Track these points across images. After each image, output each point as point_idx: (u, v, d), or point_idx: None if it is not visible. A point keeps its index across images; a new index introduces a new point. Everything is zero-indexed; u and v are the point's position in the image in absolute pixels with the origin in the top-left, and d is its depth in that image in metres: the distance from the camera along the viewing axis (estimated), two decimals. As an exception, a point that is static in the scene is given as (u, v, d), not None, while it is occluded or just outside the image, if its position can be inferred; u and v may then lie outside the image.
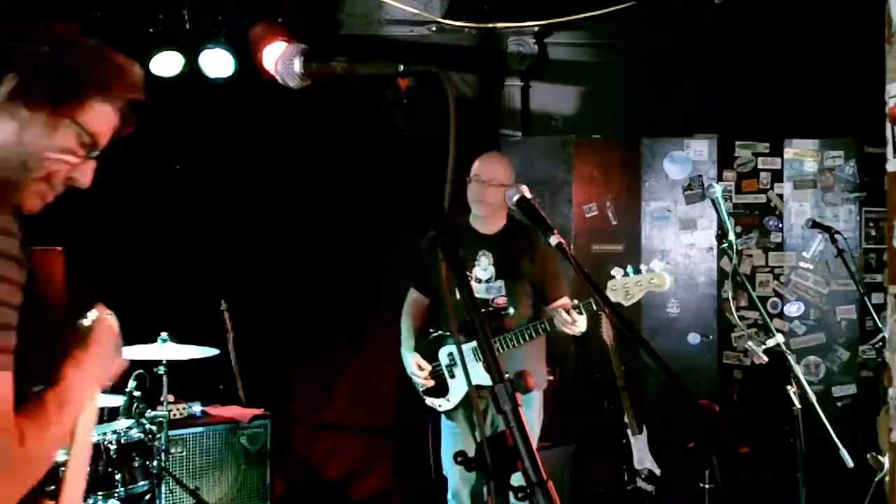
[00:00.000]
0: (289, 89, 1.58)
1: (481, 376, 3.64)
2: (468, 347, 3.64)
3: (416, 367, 3.97)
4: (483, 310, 3.83)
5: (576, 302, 3.66)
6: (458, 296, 1.47)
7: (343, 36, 6.18)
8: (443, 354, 3.95)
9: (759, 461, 5.34)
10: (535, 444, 3.39)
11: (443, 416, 4.08)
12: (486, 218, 3.92)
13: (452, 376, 3.93)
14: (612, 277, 3.54)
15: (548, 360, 5.42)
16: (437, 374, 3.96)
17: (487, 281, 3.88)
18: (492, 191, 3.84)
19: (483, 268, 3.90)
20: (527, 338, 3.73)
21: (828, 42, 5.64)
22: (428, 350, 3.99)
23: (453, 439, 4.02)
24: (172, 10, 5.42)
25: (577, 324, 3.65)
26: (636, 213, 5.75)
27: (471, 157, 3.96)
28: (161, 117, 5.77)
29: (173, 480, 4.29)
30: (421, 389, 4.02)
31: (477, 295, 3.87)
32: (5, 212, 1.32)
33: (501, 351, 3.74)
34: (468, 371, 1.63)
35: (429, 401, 4.01)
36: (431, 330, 4.03)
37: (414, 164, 1.52)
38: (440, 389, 3.95)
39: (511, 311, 3.82)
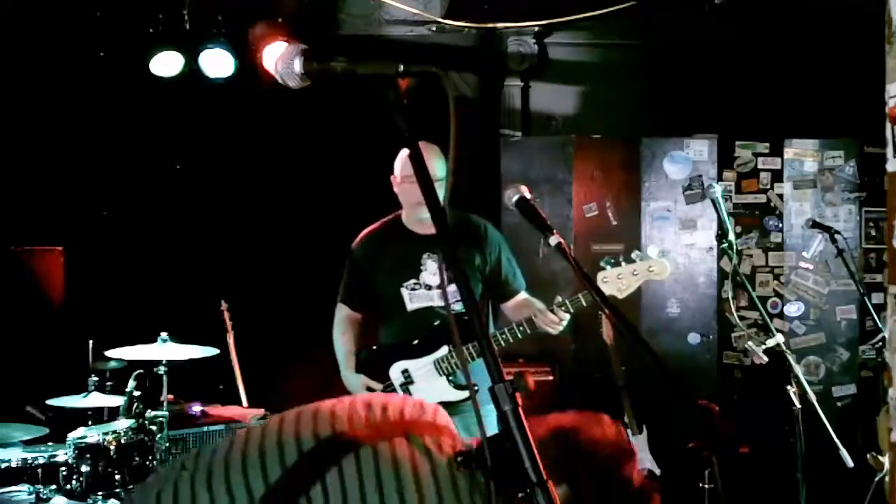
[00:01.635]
0: (289, 89, 1.57)
1: (444, 392, 3.36)
2: (428, 360, 3.43)
3: (363, 389, 3.52)
4: (438, 321, 3.45)
5: (560, 299, 3.29)
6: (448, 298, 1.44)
7: (343, 36, 6.18)
8: (395, 372, 3.50)
9: (759, 461, 5.34)
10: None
11: None
12: (425, 217, 3.48)
13: (409, 396, 3.56)
14: (602, 269, 3.20)
15: (548, 360, 5.42)
16: None
17: (438, 287, 3.47)
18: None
19: (431, 272, 3.49)
20: (502, 343, 3.32)
21: (827, 42, 5.64)
22: (373, 369, 3.55)
23: None
24: (172, 10, 5.42)
25: (563, 323, 3.30)
26: (636, 213, 5.74)
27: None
28: (161, 117, 5.81)
29: (173, 480, 4.27)
30: None
31: (431, 304, 3.48)
32: None
33: (470, 361, 3.20)
34: (467, 375, 1.61)
35: None
36: (375, 347, 3.63)
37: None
38: None
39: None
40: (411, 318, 3.50)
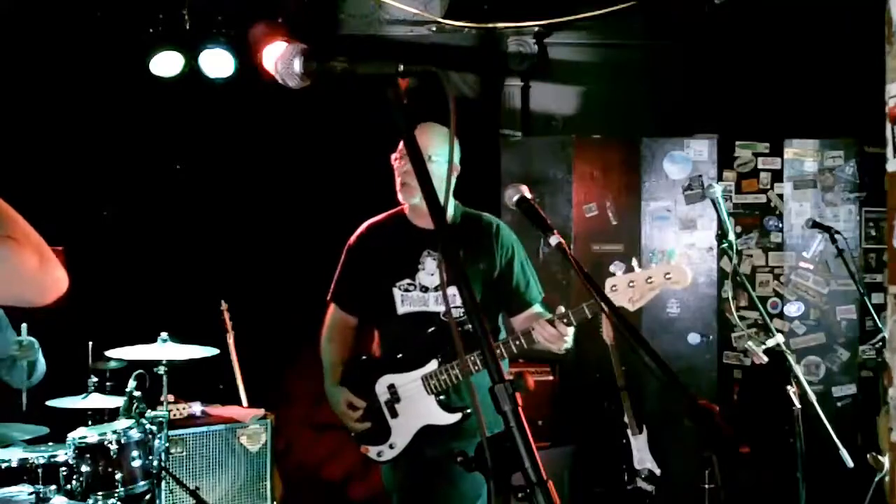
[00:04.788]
0: (289, 89, 1.58)
1: (432, 414, 2.93)
2: (415, 376, 2.99)
3: (345, 405, 3.08)
4: (431, 328, 3.01)
5: (562, 310, 2.85)
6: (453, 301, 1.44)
7: (343, 36, 6.18)
8: (381, 387, 3.05)
9: (759, 461, 5.34)
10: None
11: (384, 470, 3.18)
12: (423, 207, 2.98)
13: (395, 415, 3.04)
14: (612, 275, 2.74)
15: (548, 360, 5.41)
16: (373, 414, 3.06)
17: (435, 289, 3.02)
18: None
19: (429, 272, 3.05)
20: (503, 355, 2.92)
21: (827, 42, 5.64)
22: (360, 382, 3.10)
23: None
24: (172, 10, 5.42)
25: (565, 338, 2.84)
26: (636, 213, 5.74)
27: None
28: (161, 117, 5.81)
29: (173, 480, 4.28)
30: (353, 435, 3.13)
31: (426, 308, 3.05)
32: None
33: (457, 380, 2.91)
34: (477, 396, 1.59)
35: (364, 449, 3.10)
36: (364, 356, 3.20)
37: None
38: (379, 433, 3.05)
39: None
40: (402, 324, 3.06)
